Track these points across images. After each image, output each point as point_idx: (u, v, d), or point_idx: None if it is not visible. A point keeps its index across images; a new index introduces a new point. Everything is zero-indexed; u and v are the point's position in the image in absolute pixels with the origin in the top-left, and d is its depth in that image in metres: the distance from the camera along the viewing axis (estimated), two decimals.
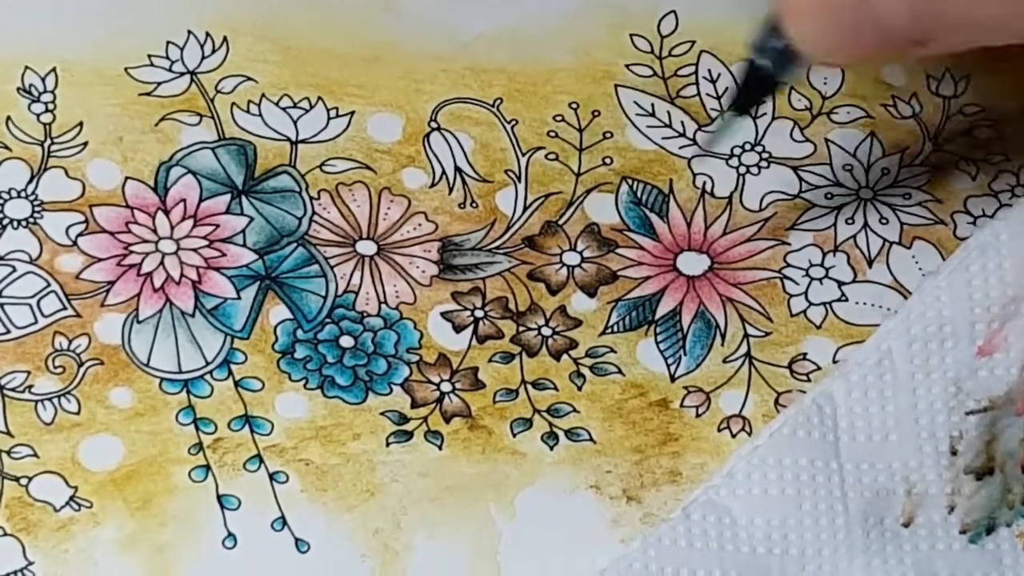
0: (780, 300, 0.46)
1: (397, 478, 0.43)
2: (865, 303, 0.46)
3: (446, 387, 0.44)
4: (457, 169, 0.47)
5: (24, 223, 0.45)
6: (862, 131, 0.48)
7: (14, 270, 0.44)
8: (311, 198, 0.46)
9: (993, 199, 0.47)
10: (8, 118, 0.46)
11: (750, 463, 0.41)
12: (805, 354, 0.45)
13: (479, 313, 0.45)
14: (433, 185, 0.47)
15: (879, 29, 0.39)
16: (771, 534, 0.41)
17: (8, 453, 0.42)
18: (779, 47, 0.42)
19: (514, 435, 0.43)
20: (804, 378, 0.44)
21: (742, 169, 0.48)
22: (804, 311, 0.46)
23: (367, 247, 0.46)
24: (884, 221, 0.47)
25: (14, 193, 0.45)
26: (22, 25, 0.48)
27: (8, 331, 0.44)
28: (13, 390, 0.43)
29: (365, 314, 0.45)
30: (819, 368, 0.45)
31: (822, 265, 0.46)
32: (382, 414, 0.43)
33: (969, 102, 0.49)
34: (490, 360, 0.45)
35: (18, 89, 0.47)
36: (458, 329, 0.45)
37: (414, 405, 0.44)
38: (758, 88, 0.44)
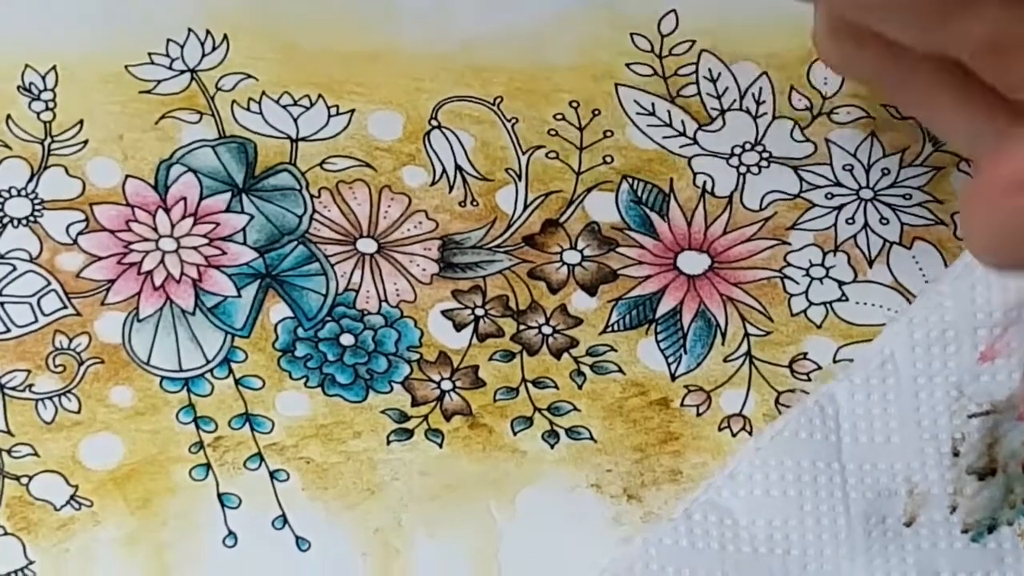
0: (780, 300, 0.46)
1: (398, 476, 0.43)
2: (866, 303, 0.46)
3: (447, 385, 0.44)
4: (457, 167, 0.47)
5: (24, 221, 0.45)
6: (863, 131, 0.48)
7: (14, 269, 0.44)
8: (311, 196, 0.46)
9: None
10: (8, 116, 0.46)
11: (752, 464, 0.41)
12: (806, 353, 0.45)
13: (479, 311, 0.45)
14: (433, 183, 0.47)
15: None
16: (773, 534, 0.41)
17: (8, 452, 0.42)
18: None
19: (515, 433, 0.43)
20: (804, 377, 0.44)
21: (742, 169, 0.48)
22: (804, 311, 0.46)
23: (367, 245, 0.46)
24: (885, 221, 0.47)
25: (14, 191, 0.45)
26: (22, 23, 0.48)
27: (8, 330, 0.43)
28: (13, 389, 0.43)
29: (366, 312, 0.45)
30: (819, 367, 0.45)
31: (822, 265, 0.46)
32: (383, 412, 0.43)
33: None
34: (490, 358, 0.44)
35: (18, 87, 0.47)
36: (459, 327, 0.45)
37: (415, 403, 0.44)
38: None
